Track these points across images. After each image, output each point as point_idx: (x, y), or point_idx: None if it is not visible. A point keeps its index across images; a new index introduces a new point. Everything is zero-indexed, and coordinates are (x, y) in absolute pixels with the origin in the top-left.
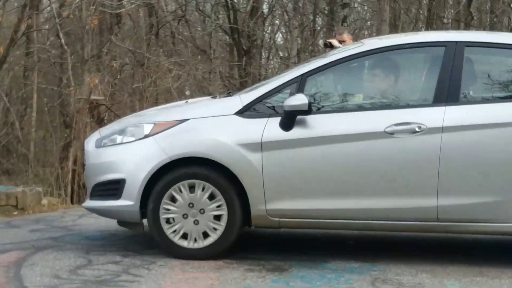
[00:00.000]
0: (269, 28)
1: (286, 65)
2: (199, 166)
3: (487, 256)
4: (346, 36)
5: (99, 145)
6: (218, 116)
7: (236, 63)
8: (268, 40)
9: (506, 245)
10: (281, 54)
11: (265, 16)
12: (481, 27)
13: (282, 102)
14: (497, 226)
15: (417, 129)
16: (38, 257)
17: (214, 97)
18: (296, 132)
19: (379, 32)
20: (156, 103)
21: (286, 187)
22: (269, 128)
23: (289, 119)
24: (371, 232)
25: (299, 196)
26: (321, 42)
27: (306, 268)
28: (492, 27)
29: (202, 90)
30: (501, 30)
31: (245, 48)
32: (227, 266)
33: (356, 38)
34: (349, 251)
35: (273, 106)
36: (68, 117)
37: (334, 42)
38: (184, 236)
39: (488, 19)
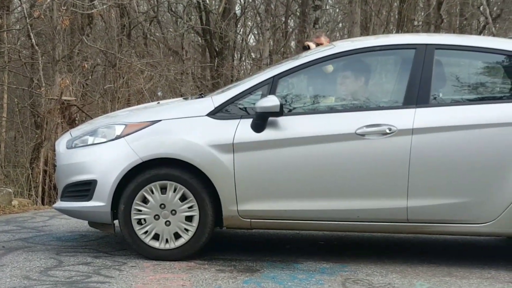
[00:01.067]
0: (241, 29)
1: (258, 66)
2: (171, 167)
3: (456, 256)
4: (323, 39)
5: (70, 146)
6: (190, 117)
7: (208, 64)
8: (240, 41)
9: (474, 245)
10: (253, 55)
11: (237, 18)
12: (451, 29)
13: (254, 104)
14: (465, 227)
15: (387, 131)
16: (8, 258)
17: (186, 98)
18: (267, 134)
19: (350, 34)
20: (128, 104)
21: (258, 188)
22: (241, 129)
23: (261, 121)
24: (342, 233)
25: (271, 197)
26: (293, 43)
27: (277, 269)
28: (462, 30)
29: (174, 91)
30: (470, 32)
31: (217, 49)
32: (198, 267)
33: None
34: (320, 252)
35: (245, 108)
36: (39, 118)
37: (312, 45)
38: (156, 237)
39: (457, 22)
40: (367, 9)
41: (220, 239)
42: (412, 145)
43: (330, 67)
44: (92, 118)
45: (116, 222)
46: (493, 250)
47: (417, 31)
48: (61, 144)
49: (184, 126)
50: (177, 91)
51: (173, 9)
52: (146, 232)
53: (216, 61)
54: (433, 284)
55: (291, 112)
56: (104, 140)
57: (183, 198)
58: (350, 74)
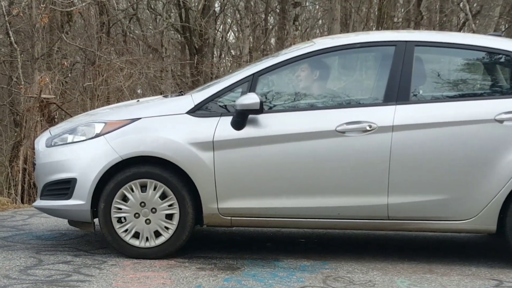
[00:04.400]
0: (221, 26)
1: (238, 63)
2: (151, 165)
3: (436, 253)
4: None
5: (49, 144)
6: (170, 115)
7: (188, 61)
8: (220, 38)
9: (455, 242)
10: (233, 52)
11: (217, 15)
12: (430, 26)
13: (234, 101)
14: (446, 224)
15: (368, 128)
16: None
17: (166, 96)
18: (248, 131)
19: (330, 31)
20: (107, 102)
21: (238, 186)
22: (221, 127)
23: (241, 118)
24: (323, 230)
25: (251, 195)
26: (273, 40)
27: (258, 267)
28: (442, 26)
29: (154, 88)
30: (450, 29)
31: (197, 47)
32: (179, 265)
33: (308, 37)
34: (301, 249)
35: (225, 105)
36: (18, 116)
37: None
38: (136, 235)
39: (437, 18)
40: (347, 5)
41: (200, 237)
42: (392, 142)
43: None
44: (71, 116)
45: (96, 220)
46: (473, 247)
47: (397, 28)
48: (40, 142)
49: (164, 124)
50: (157, 88)
51: (152, 6)
52: (126, 230)
53: (196, 58)
54: (414, 281)
55: (271, 110)
56: (84, 138)
57: (163, 196)
58: (330, 71)
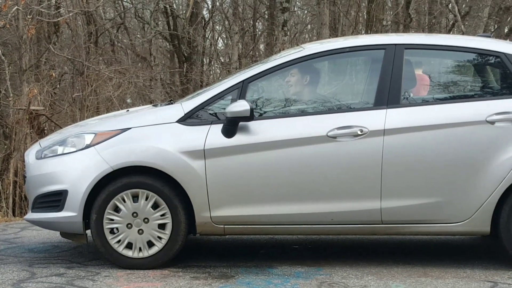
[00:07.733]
0: (210, 34)
1: (228, 70)
2: (142, 175)
3: (430, 256)
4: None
5: (39, 156)
6: (160, 124)
7: (177, 69)
8: (209, 46)
9: (449, 245)
10: (222, 59)
11: (205, 22)
12: (420, 28)
13: (224, 109)
14: (439, 227)
15: (359, 133)
16: None
17: (156, 105)
18: (238, 139)
19: (319, 36)
20: (97, 112)
21: (230, 193)
22: (211, 135)
23: (232, 126)
24: (317, 236)
25: (243, 203)
26: (262, 46)
27: (252, 275)
28: (431, 29)
29: (144, 97)
30: (439, 31)
31: (185, 55)
32: (172, 274)
33: (297, 42)
34: (295, 256)
35: (215, 113)
36: (7, 128)
37: None
38: (129, 246)
39: (426, 21)
40: (335, 10)
41: (194, 246)
42: (384, 146)
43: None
44: (61, 128)
45: (88, 232)
46: (468, 249)
47: (386, 31)
48: (30, 155)
49: (154, 133)
50: (147, 97)
51: (140, 15)
52: (119, 241)
53: (185, 66)
54: (409, 285)
55: (261, 116)
56: (74, 149)
57: (155, 206)
58: (320, 76)
